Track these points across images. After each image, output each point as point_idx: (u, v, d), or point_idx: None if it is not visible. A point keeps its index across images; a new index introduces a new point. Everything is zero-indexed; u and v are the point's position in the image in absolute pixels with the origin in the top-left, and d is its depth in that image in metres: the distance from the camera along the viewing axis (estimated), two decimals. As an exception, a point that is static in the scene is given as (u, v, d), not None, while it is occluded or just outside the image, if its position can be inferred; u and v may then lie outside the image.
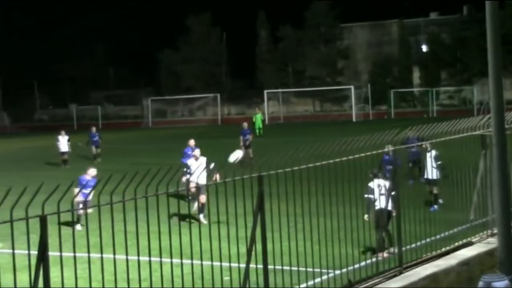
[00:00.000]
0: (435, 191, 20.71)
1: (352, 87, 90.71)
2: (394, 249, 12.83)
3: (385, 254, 13.24)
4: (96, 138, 44.26)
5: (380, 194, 14.95)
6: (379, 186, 15.14)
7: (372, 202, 15.06)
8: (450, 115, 63.25)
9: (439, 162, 19.97)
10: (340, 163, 10.87)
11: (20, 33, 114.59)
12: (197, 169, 19.86)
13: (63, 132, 42.43)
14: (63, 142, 41.59)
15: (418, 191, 12.50)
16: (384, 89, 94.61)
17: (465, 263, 12.02)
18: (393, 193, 14.89)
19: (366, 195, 15.02)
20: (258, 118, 68.88)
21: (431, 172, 20.15)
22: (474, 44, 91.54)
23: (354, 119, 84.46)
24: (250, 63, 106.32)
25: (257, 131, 65.53)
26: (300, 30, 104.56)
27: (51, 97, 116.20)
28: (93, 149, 44.03)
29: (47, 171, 38.24)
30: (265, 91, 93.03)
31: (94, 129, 46.04)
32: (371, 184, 15.34)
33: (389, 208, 14.83)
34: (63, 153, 41.49)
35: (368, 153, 11.39)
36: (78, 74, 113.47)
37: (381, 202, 15.07)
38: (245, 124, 39.69)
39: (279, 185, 9.87)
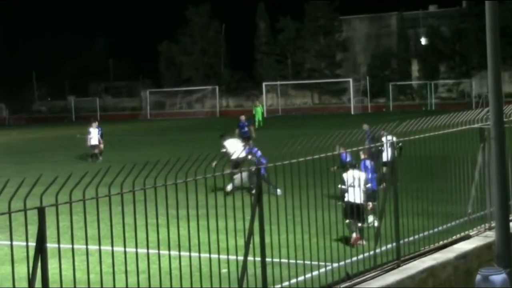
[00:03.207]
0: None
1: (350, 79, 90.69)
2: (363, 242, 13.43)
3: (360, 241, 13.77)
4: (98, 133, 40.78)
5: (350, 186, 15.07)
6: (351, 178, 15.30)
7: (343, 192, 15.30)
8: (448, 108, 63.28)
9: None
10: (338, 156, 10.87)
11: (19, 24, 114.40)
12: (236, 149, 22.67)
13: (94, 124, 39.46)
14: (95, 135, 38.62)
15: (411, 184, 12.49)
16: (383, 82, 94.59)
17: (463, 257, 12.03)
18: (368, 185, 15.55)
19: (339, 186, 15.29)
20: (258, 111, 69.11)
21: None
22: (473, 37, 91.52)
23: (352, 112, 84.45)
24: (249, 55, 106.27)
25: (257, 123, 65.73)
26: (299, 22, 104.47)
27: (50, 89, 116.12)
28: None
29: (45, 163, 38.21)
30: (264, 83, 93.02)
31: (96, 123, 41.97)
32: (344, 175, 15.64)
33: (361, 201, 14.84)
34: (94, 146, 38.53)
35: (366, 147, 11.40)
36: (76, 66, 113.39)
37: (349, 195, 15.06)
38: (243, 117, 39.59)
39: (277, 178, 9.88)
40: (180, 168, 8.71)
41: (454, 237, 12.70)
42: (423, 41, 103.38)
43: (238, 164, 22.08)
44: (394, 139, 12.60)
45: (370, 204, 15.81)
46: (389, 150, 21.59)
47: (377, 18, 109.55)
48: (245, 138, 37.17)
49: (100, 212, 7.97)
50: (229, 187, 19.79)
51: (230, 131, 38.87)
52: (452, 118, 13.22)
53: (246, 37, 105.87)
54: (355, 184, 14.87)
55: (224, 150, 25.57)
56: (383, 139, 22.17)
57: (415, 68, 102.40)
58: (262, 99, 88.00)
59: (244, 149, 23.70)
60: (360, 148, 12.35)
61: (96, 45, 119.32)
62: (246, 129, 38.10)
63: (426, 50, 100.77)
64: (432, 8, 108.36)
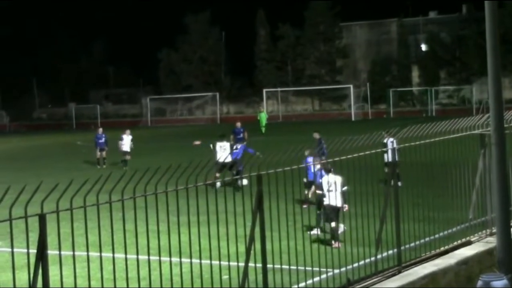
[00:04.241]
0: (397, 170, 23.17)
1: (351, 86, 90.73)
2: (338, 244, 13.88)
3: (336, 244, 14.08)
4: (102, 140, 40.45)
5: (328, 191, 15.75)
6: (328, 183, 16.05)
7: (321, 197, 16.08)
8: (449, 114, 63.33)
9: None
10: (339, 162, 10.88)
11: (19, 31, 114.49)
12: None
13: (128, 131, 39.67)
14: (127, 142, 38.72)
15: (412, 190, 12.48)
16: (383, 88, 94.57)
17: (464, 262, 12.02)
18: (344, 188, 15.95)
19: (316, 191, 16.25)
20: (262, 117, 69.29)
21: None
22: (473, 43, 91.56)
23: (353, 118, 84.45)
24: (249, 62, 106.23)
25: (262, 129, 66.03)
26: (299, 29, 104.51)
27: (50, 96, 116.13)
28: (98, 153, 40.38)
29: (45, 170, 38.21)
30: (264, 90, 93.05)
31: (100, 130, 42.16)
32: (321, 180, 16.40)
33: (339, 204, 15.63)
34: (126, 152, 38.42)
35: (367, 152, 11.40)
36: (77, 73, 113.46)
37: (330, 198, 15.71)
38: (238, 124, 39.52)
39: (278, 184, 9.88)
40: (181, 174, 8.71)
41: (455, 243, 12.69)
42: (423, 47, 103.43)
43: (223, 167, 25.57)
44: (395, 142, 12.73)
45: (346, 206, 16.02)
46: (390, 152, 22.90)
47: (377, 24, 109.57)
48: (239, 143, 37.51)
49: (101, 219, 7.97)
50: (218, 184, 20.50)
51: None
52: (453, 124, 13.22)
53: (246, 44, 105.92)
54: (332, 189, 15.66)
55: (213, 148, 28.77)
56: (385, 140, 23.23)
57: (415, 74, 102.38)
58: (263, 105, 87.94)
59: (232, 152, 27.66)
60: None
61: (97, 52, 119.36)
62: (241, 135, 38.20)
63: (426, 56, 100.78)
64: (432, 15, 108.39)
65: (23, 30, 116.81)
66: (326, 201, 16.00)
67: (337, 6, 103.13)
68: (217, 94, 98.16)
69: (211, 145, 29.24)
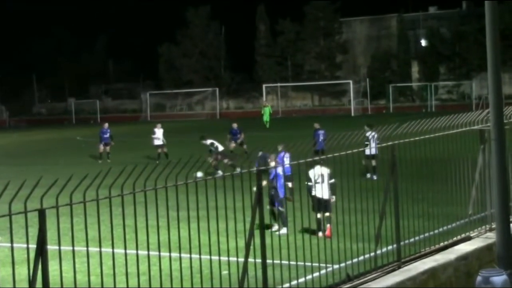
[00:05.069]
0: (374, 163, 26.39)
1: (350, 81, 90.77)
2: (323, 234, 14.12)
3: (320, 234, 14.49)
4: (107, 135, 40.47)
5: (316, 183, 16.52)
6: (315, 175, 16.73)
7: (310, 189, 16.60)
8: (448, 109, 63.27)
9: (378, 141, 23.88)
10: (339, 157, 10.88)
11: (19, 26, 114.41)
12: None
13: (159, 125, 40.03)
14: (160, 135, 39.05)
15: (412, 185, 12.48)
16: (383, 83, 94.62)
17: (464, 258, 12.03)
18: (331, 181, 16.68)
19: (306, 182, 16.51)
20: (266, 111, 69.32)
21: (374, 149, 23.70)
22: (473, 39, 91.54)
23: (352, 114, 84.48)
24: (249, 57, 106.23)
25: (266, 124, 66.24)
26: (299, 24, 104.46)
27: (50, 91, 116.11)
28: (101, 147, 40.21)
29: (45, 165, 38.22)
30: (264, 85, 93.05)
31: (106, 125, 42.02)
32: (310, 172, 16.80)
33: (326, 196, 16.44)
34: (159, 146, 38.80)
35: (360, 149, 11.40)
36: (77, 68, 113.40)
37: (317, 190, 16.46)
38: (235, 125, 39.36)
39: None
40: (181, 170, 8.71)
41: (454, 239, 12.70)
42: (423, 42, 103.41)
43: (224, 154, 30.29)
44: (376, 135, 12.86)
45: (333, 198, 16.38)
46: (373, 144, 23.87)
47: (377, 20, 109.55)
48: (240, 144, 37.71)
49: (101, 214, 7.97)
50: (199, 174, 21.27)
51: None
52: (453, 120, 13.22)
53: (246, 39, 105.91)
54: (320, 181, 16.46)
55: (212, 146, 31.59)
56: (367, 134, 23.95)
57: (415, 69, 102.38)
58: (267, 99, 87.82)
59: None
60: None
61: (96, 47, 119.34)
62: (238, 136, 38.35)
63: (426, 52, 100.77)
64: (432, 10, 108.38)
65: (22, 24, 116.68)
66: (313, 193, 16.60)
67: (337, 1, 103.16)
68: (217, 90, 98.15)
69: (213, 146, 31.89)
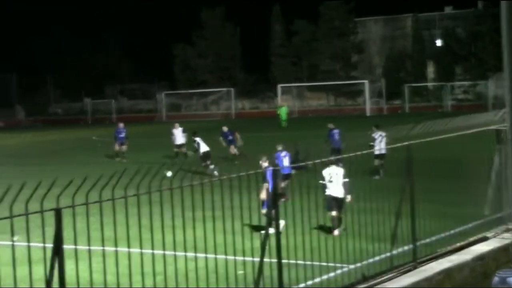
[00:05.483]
0: (380, 163, 25.91)
1: (366, 81, 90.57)
2: (340, 230, 15.24)
3: (336, 232, 15.61)
4: (123, 135, 40.48)
5: (329, 181, 16.86)
6: (329, 174, 17.02)
7: (324, 187, 16.76)
8: (464, 109, 63.03)
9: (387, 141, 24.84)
10: (354, 158, 10.86)
11: (35, 27, 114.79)
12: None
13: (177, 125, 39.74)
14: (178, 135, 38.89)
15: (427, 185, 12.44)
16: (398, 83, 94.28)
17: (480, 258, 11.98)
18: (345, 180, 16.92)
19: (320, 181, 16.56)
20: (283, 111, 69.64)
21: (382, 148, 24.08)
22: (489, 39, 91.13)
23: (368, 114, 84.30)
24: (264, 57, 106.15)
25: (282, 123, 66.79)
26: (314, 24, 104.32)
27: (66, 91, 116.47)
28: (117, 146, 40.35)
29: (62, 165, 38.35)
30: (279, 86, 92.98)
31: (121, 125, 41.79)
32: (324, 171, 17.03)
33: (341, 195, 16.87)
34: (180, 145, 38.55)
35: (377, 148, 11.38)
36: (92, 68, 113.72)
37: (330, 189, 16.86)
38: (225, 128, 38.48)
39: (293, 180, 9.88)
40: (196, 170, 8.72)
41: (471, 239, 12.64)
42: (439, 42, 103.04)
43: (207, 156, 31.79)
44: (384, 135, 12.88)
45: (349, 197, 16.79)
46: (382, 144, 24.04)
47: (392, 20, 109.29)
48: (234, 145, 36.90)
49: (117, 214, 7.99)
50: (169, 173, 21.78)
51: (249, 132, 38.98)
52: (469, 120, 13.17)
53: (261, 39, 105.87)
54: (334, 180, 16.86)
55: (195, 143, 32.92)
56: (374, 134, 24.22)
57: (430, 69, 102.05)
58: (283, 99, 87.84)
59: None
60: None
61: (112, 48, 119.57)
62: (231, 137, 37.38)
63: (441, 52, 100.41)
64: (447, 10, 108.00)
65: (37, 25, 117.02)
66: (327, 192, 16.83)
67: (352, 1, 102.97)
68: (232, 90, 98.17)
69: (195, 144, 33.18)
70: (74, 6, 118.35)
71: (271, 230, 14.19)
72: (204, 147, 32.84)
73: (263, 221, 12.35)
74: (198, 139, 33.31)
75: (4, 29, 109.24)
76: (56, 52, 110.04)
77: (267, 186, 17.95)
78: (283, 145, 23.24)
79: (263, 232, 15.49)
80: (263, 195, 17.67)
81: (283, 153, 22.72)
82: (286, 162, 22.30)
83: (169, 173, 22.18)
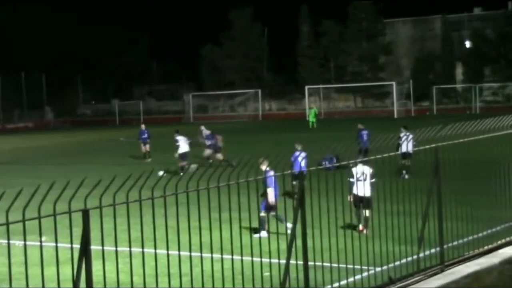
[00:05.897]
0: (408, 163, 26.72)
1: (394, 83, 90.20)
2: (366, 231, 15.13)
3: (364, 231, 15.48)
4: (146, 136, 42.12)
5: (357, 180, 16.98)
6: (357, 173, 17.16)
7: (351, 185, 17.05)
8: (493, 111, 62.55)
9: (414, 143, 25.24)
10: (381, 159, 10.82)
11: (63, 29, 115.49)
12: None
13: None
14: (183, 142, 36.96)
15: (456, 187, 12.34)
16: (426, 85, 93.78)
17: (508, 262, 11.87)
18: (372, 180, 17.18)
19: (348, 179, 16.99)
20: (312, 113, 70.71)
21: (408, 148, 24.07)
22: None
23: (396, 115, 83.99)
24: (291, 58, 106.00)
25: (310, 124, 69.08)
26: (342, 25, 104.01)
27: (94, 92, 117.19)
28: (142, 147, 42.05)
29: (90, 165, 38.58)
30: (306, 87, 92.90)
31: (143, 126, 43.66)
32: (353, 170, 17.29)
33: (367, 194, 17.21)
34: (183, 155, 36.25)
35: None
36: (120, 69, 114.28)
37: (358, 188, 17.06)
38: (207, 132, 37.24)
39: (320, 181, 9.85)
40: (223, 171, 8.73)
41: (499, 242, 12.54)
42: (468, 44, 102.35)
43: (184, 157, 32.39)
44: (410, 136, 12.87)
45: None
46: (410, 144, 24.23)
47: (421, 21, 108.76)
48: (213, 149, 35.48)
49: (143, 215, 8.01)
50: (160, 173, 22.88)
51: (276, 133, 38.84)
52: (498, 122, 13.07)
53: (288, 40, 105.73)
54: (361, 178, 16.99)
55: (177, 143, 33.32)
56: (401, 134, 24.38)
57: (459, 71, 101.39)
58: (305, 102, 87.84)
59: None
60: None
61: (140, 49, 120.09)
62: (212, 141, 35.68)
63: (470, 53, 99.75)
64: (476, 11, 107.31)
65: (67, 25, 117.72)
66: (354, 190, 17.00)
67: (381, 2, 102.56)
68: (259, 91, 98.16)
69: (177, 144, 33.71)
70: (102, 8, 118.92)
71: (264, 234, 14.15)
72: (184, 147, 32.53)
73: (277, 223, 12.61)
74: (180, 137, 33.17)
75: (33, 30, 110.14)
76: (85, 53, 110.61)
77: (271, 190, 17.92)
78: (302, 145, 23.10)
79: (257, 235, 15.39)
80: (272, 199, 17.64)
81: (302, 154, 22.38)
82: (302, 163, 22.06)
83: (160, 173, 22.84)
